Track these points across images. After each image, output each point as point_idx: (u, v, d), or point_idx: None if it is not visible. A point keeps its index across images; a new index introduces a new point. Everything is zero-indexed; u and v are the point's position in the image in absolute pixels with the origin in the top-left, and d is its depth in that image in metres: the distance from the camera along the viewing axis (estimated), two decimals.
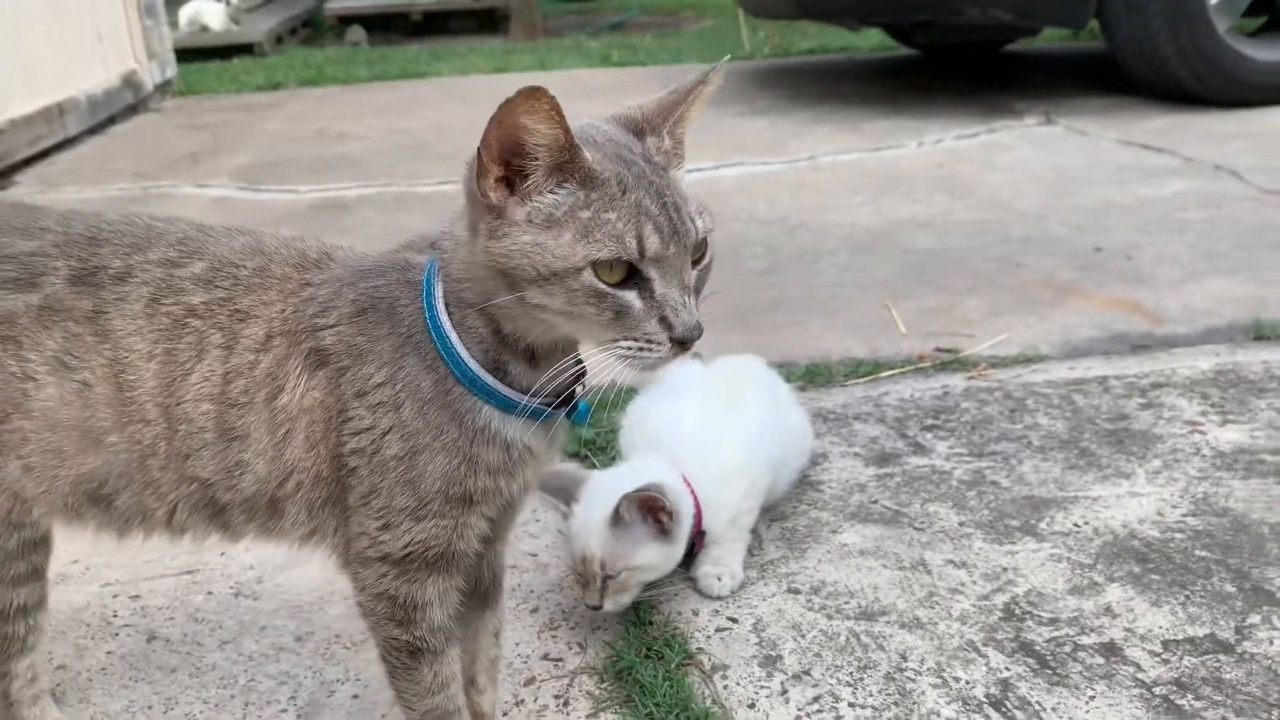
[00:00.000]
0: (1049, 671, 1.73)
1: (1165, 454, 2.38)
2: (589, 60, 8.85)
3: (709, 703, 1.68)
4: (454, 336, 1.25)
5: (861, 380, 2.87)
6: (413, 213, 4.54)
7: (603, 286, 1.14)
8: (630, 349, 1.16)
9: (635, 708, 1.67)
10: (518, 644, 1.87)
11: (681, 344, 1.15)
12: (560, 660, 1.83)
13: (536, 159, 1.14)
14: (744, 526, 2.01)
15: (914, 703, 1.67)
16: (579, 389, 1.34)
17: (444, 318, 1.26)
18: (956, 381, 2.83)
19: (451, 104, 7.07)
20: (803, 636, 1.83)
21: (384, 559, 1.33)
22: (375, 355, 1.28)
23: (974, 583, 1.96)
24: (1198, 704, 1.65)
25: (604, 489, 1.84)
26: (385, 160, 5.65)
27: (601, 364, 1.18)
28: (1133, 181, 4.59)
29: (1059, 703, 1.66)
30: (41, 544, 1.49)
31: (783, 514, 2.20)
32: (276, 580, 2.08)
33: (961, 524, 2.15)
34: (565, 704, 1.72)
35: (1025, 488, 2.27)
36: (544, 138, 1.13)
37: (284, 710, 1.75)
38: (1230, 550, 2.01)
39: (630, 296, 1.15)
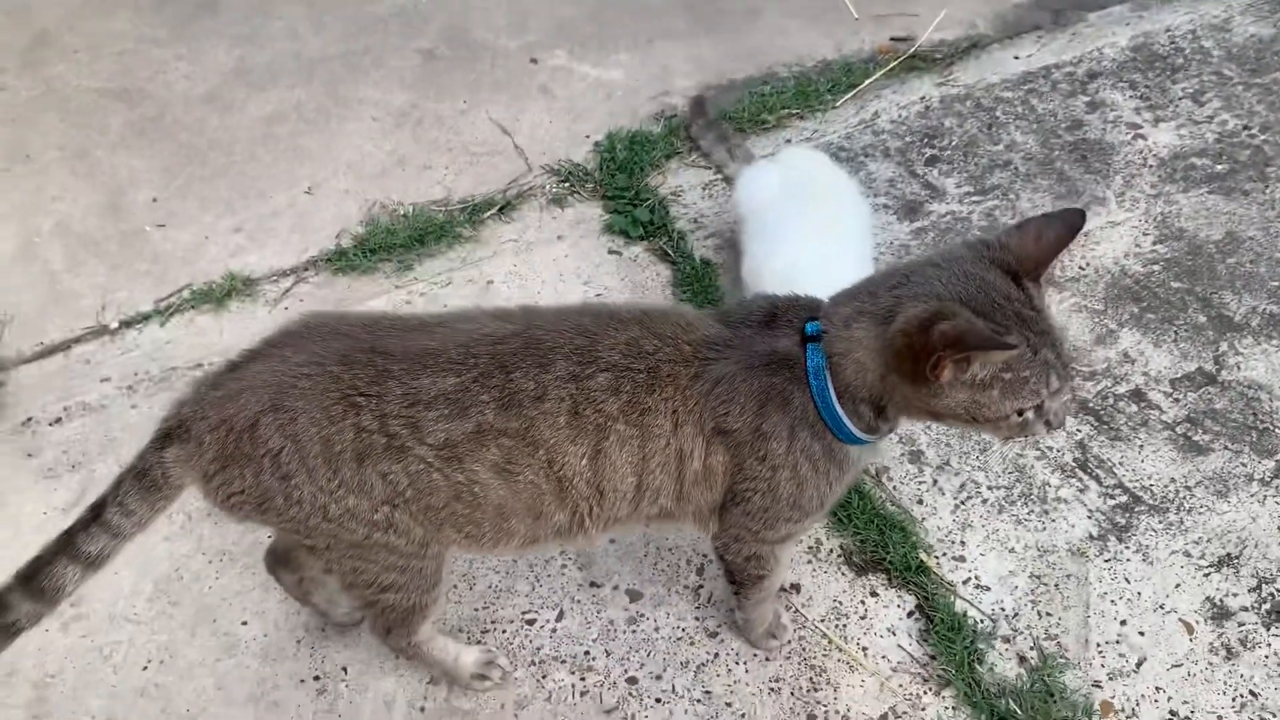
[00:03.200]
0: (1106, 428, 2.37)
1: (1123, 169, 2.90)
2: None
3: (890, 506, 2.25)
4: (847, 420, 1.58)
5: (847, 96, 3.15)
6: None
7: (1018, 420, 1.49)
8: (1022, 440, 1.54)
9: (839, 521, 2.22)
10: None
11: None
12: None
13: (976, 349, 1.41)
14: None
15: (1029, 478, 2.29)
16: None
17: (839, 409, 1.57)
18: (930, 90, 3.16)
19: None
20: (930, 430, 2.38)
21: (761, 542, 1.75)
22: (776, 435, 1.59)
23: None
24: (1205, 437, 2.36)
25: None
26: None
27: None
28: None
29: (1122, 456, 2.32)
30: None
31: None
32: None
33: None
34: None
35: None
36: (981, 338, 1.40)
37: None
38: (1194, 277, 2.64)
39: (1030, 416, 1.51)
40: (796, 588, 2.14)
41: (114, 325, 2.68)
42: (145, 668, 2.06)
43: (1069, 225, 1.50)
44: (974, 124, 3.02)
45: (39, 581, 1.57)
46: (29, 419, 2.48)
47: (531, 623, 2.11)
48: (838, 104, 3.12)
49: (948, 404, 1.48)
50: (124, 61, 3.42)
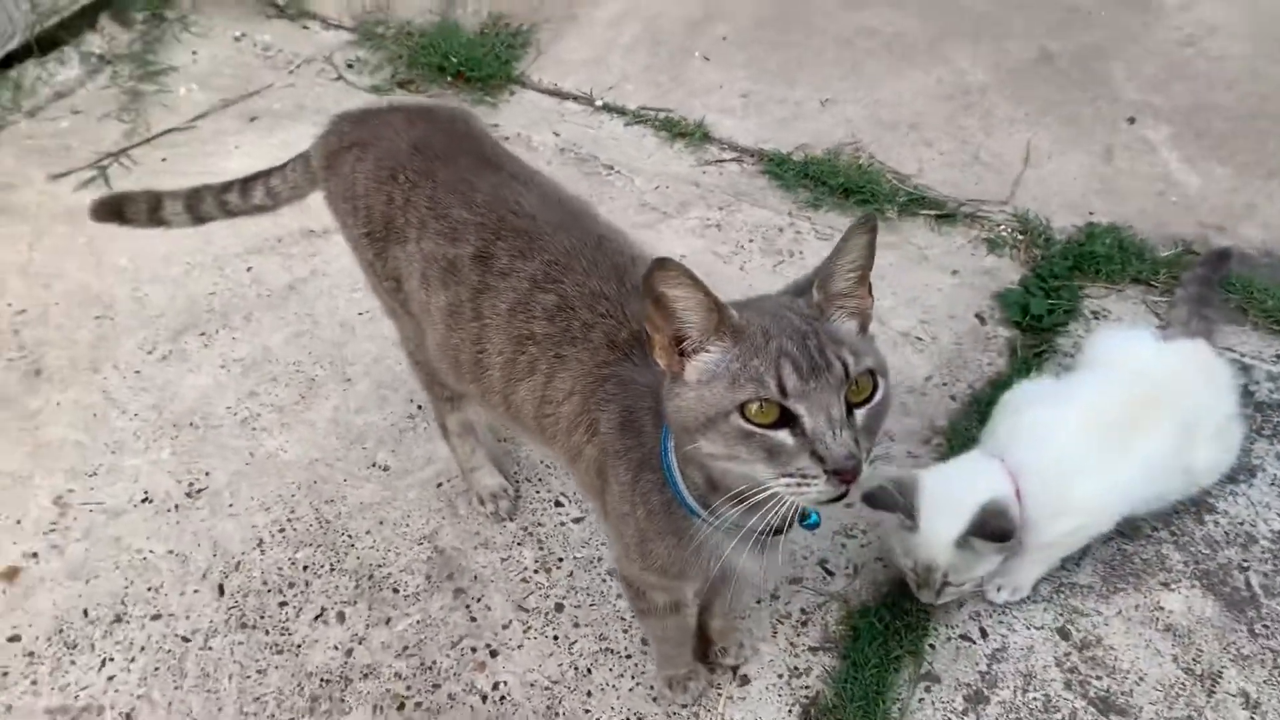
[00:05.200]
0: None
1: None
2: None
3: (894, 708, 1.87)
4: (679, 478, 1.38)
5: None
6: None
7: (749, 427, 1.16)
8: (789, 484, 1.17)
9: (839, 677, 1.91)
10: (809, 538, 2.11)
11: (838, 474, 1.14)
12: (831, 575, 2.06)
13: (689, 322, 1.18)
14: (1055, 556, 1.97)
15: None
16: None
17: (673, 462, 1.38)
18: None
19: None
20: (1024, 693, 1.88)
21: (630, 565, 1.62)
22: (625, 462, 1.46)
23: None
24: None
25: (945, 502, 1.82)
26: None
27: (771, 500, 1.20)
28: None
29: None
30: None
31: (1137, 528, 2.07)
32: None
33: None
34: (803, 624, 1.99)
35: None
36: (687, 302, 1.17)
37: None
38: None
39: (782, 435, 1.16)
40: (745, 680, 1.94)
41: (599, 103, 3.06)
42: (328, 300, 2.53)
43: (849, 230, 1.20)
44: None
45: (247, 187, 2.02)
46: (496, 125, 2.99)
47: (558, 505, 2.18)
48: None
49: (679, 407, 1.22)
50: None
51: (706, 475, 1.33)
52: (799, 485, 1.17)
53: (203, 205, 2.02)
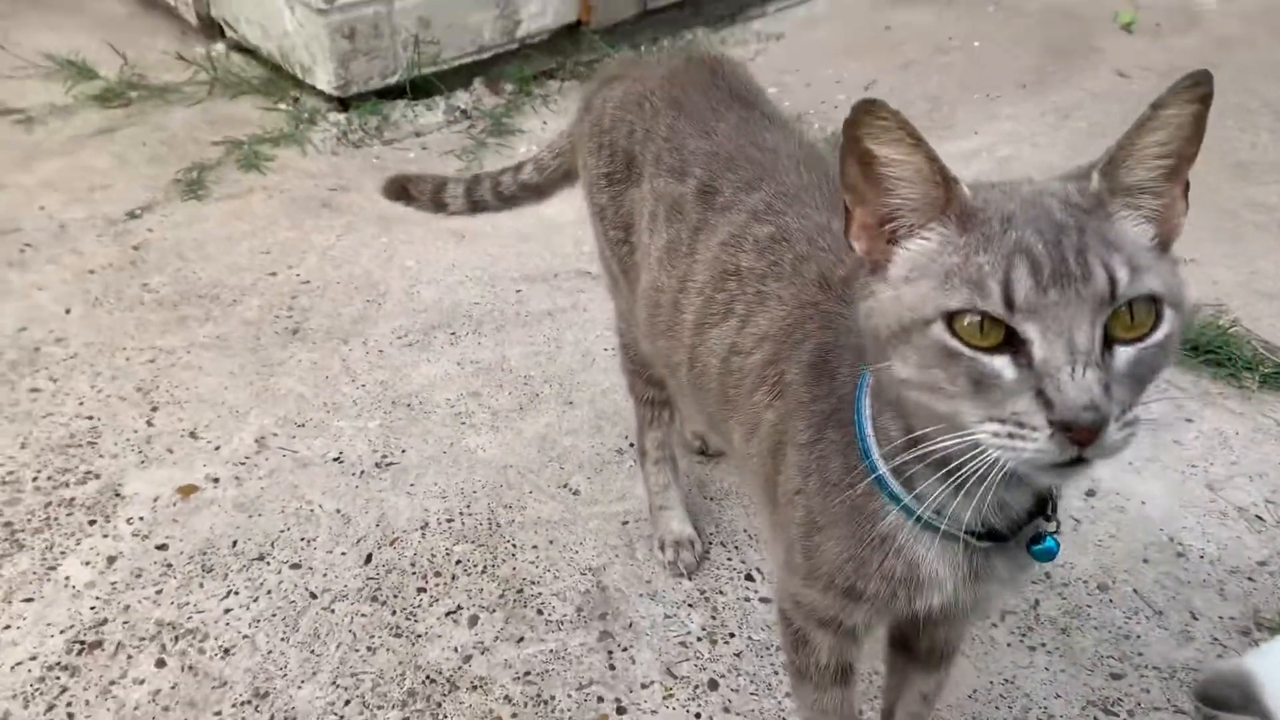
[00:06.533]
0: None
1: None
2: None
3: None
4: (869, 428, 1.03)
5: None
6: None
7: (954, 344, 0.83)
8: (997, 434, 0.81)
9: None
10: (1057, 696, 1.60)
11: (1067, 429, 0.78)
12: None
13: (903, 197, 0.87)
14: None
15: None
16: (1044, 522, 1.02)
17: (865, 407, 1.03)
18: None
19: None
20: None
21: (788, 582, 1.25)
22: (808, 416, 1.12)
23: None
24: None
25: None
26: None
27: (971, 458, 0.84)
28: None
29: None
30: None
31: None
32: None
33: None
34: None
35: None
36: (903, 168, 0.86)
37: None
38: None
39: (999, 363, 0.82)
40: None
41: None
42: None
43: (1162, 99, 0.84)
44: None
45: (519, 167, 1.94)
46: None
47: (748, 579, 1.84)
48: None
49: (871, 308, 0.91)
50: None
51: (906, 425, 0.97)
52: (1009, 437, 0.82)
53: (479, 189, 1.96)
